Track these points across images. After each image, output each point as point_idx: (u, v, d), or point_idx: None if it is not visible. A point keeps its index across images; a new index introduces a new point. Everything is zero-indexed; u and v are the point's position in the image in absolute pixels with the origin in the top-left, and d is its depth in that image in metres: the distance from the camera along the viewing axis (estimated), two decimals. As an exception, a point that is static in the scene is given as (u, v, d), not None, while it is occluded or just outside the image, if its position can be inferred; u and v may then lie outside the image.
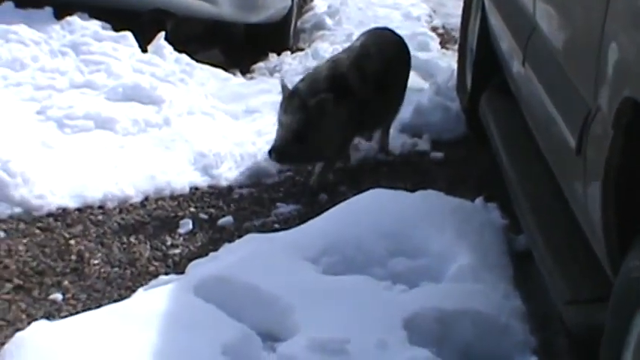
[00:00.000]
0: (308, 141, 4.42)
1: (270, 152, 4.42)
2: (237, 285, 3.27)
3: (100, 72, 5.91)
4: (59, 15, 6.56)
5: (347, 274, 3.44)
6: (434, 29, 8.36)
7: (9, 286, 3.55)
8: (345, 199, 4.17)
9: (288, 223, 4.30)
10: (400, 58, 5.15)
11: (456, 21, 7.51)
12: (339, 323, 3.07)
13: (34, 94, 5.55)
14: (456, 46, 6.83)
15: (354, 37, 6.89)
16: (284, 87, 4.55)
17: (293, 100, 4.43)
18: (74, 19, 6.49)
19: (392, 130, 5.40)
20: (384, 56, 4.93)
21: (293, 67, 6.63)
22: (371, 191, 4.09)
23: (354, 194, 4.28)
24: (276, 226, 4.33)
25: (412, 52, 5.56)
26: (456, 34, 7.48)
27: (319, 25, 7.91)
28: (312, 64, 6.39)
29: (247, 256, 3.51)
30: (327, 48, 6.91)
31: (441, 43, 7.80)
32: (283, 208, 4.55)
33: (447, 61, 6.81)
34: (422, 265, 3.52)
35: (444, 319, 3.15)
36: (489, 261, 3.55)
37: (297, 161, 4.68)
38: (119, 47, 6.26)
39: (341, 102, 4.48)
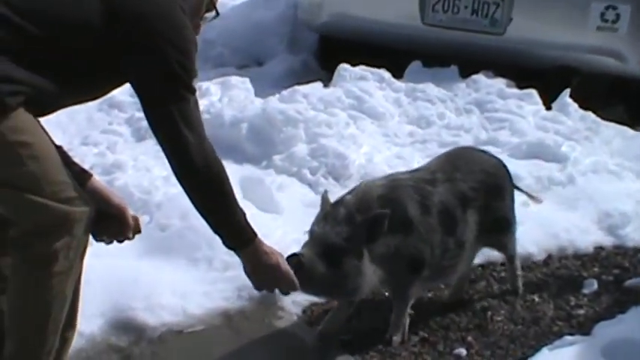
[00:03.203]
0: (341, 266, 3.21)
1: (290, 257, 3.09)
2: (647, 349, 3.11)
3: (503, 129, 5.97)
4: (464, 73, 6.70)
5: None
6: None
7: (415, 338, 3.61)
8: None
9: None
10: (488, 186, 3.75)
11: None
12: None
13: (439, 150, 5.67)
14: None
15: None
16: (325, 199, 3.42)
17: (337, 210, 3.28)
18: (479, 77, 6.61)
19: None
20: (458, 188, 3.62)
21: None
22: None
23: None
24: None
25: None
26: None
27: None
28: None
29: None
30: None
31: None
32: (696, 273, 4.28)
33: None
34: None
35: None
36: None
37: (321, 289, 3.29)
38: (523, 105, 6.29)
39: (396, 231, 3.34)
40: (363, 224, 3.21)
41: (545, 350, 3.38)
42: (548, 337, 3.65)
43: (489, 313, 3.86)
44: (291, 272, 2.93)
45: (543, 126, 6.05)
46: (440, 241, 3.49)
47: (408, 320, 3.58)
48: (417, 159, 5.50)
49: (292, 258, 3.08)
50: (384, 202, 3.32)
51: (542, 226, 4.65)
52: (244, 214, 2.76)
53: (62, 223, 2.42)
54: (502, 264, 4.34)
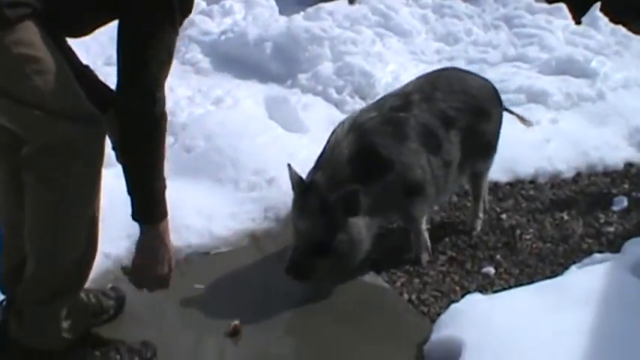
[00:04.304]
0: (337, 254, 3.19)
1: (287, 271, 3.17)
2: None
3: (532, 45, 5.88)
4: (492, -12, 6.59)
5: None
6: None
7: (443, 257, 3.60)
8: None
9: None
10: (471, 107, 3.54)
11: None
12: None
13: (467, 67, 5.61)
14: None
15: None
16: (294, 176, 3.24)
17: (309, 198, 3.16)
18: (507, -8, 6.51)
19: None
20: (438, 107, 3.46)
21: None
22: None
23: None
24: None
25: None
26: None
27: None
28: None
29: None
30: None
31: None
32: None
33: None
34: None
35: None
36: None
37: (325, 276, 3.26)
38: (552, 20, 6.19)
39: (380, 177, 3.25)
40: (337, 205, 3.09)
41: (574, 268, 3.34)
42: (577, 255, 3.63)
43: (518, 231, 3.83)
44: (169, 275, 2.74)
45: (573, 41, 5.96)
46: (426, 160, 3.35)
47: (427, 236, 3.54)
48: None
49: (291, 273, 3.12)
50: (355, 159, 3.19)
51: (571, 143, 4.60)
52: (165, 188, 2.60)
53: (71, 140, 2.36)
54: (530, 182, 4.31)
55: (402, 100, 3.43)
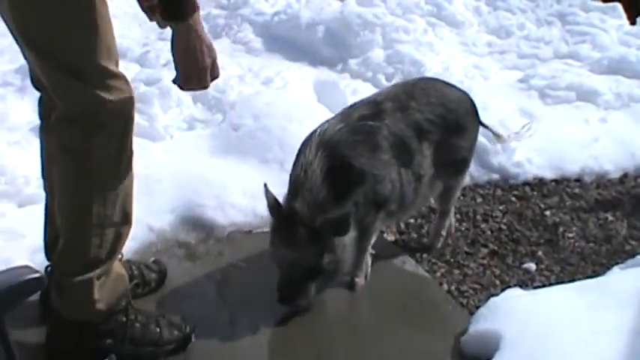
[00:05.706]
0: (325, 273, 3.01)
1: (282, 301, 2.99)
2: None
3: (584, 43, 5.84)
4: (547, -17, 6.54)
5: None
6: None
7: (484, 250, 3.59)
8: None
9: None
10: (447, 121, 3.30)
11: None
12: None
13: (517, 62, 5.61)
14: None
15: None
16: (270, 200, 3.01)
17: (293, 227, 2.94)
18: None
19: None
20: (413, 118, 3.22)
21: None
22: None
23: None
24: None
25: None
26: None
27: None
28: None
29: None
30: None
31: None
32: None
33: None
34: None
35: None
36: None
37: (321, 292, 3.10)
38: (606, 19, 6.15)
39: (353, 190, 3.04)
40: (323, 228, 2.90)
41: (616, 269, 3.32)
42: (620, 256, 3.60)
43: (561, 228, 3.81)
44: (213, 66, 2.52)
45: (626, 41, 5.90)
46: (397, 174, 3.13)
47: (370, 260, 3.31)
48: (494, 69, 5.41)
49: (285, 302, 2.98)
50: (330, 177, 2.96)
51: (619, 143, 4.56)
52: None
53: (98, 109, 2.33)
54: (576, 180, 4.28)
55: (373, 109, 3.20)
